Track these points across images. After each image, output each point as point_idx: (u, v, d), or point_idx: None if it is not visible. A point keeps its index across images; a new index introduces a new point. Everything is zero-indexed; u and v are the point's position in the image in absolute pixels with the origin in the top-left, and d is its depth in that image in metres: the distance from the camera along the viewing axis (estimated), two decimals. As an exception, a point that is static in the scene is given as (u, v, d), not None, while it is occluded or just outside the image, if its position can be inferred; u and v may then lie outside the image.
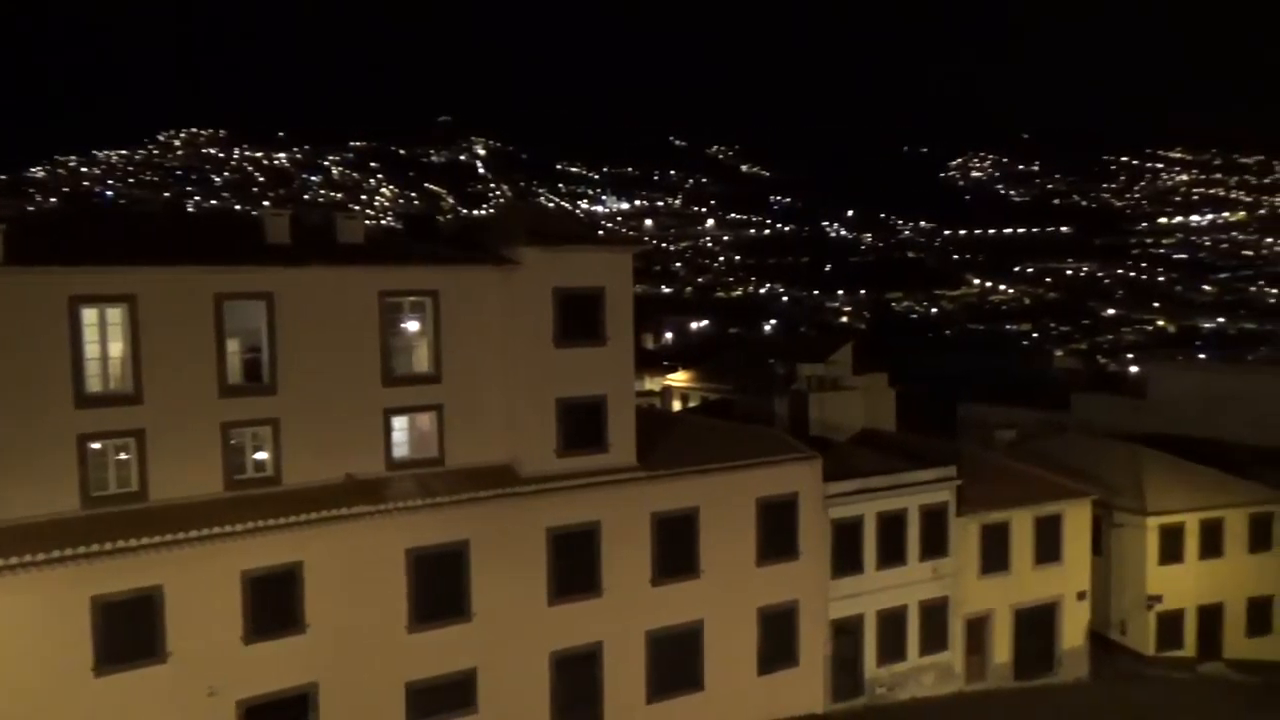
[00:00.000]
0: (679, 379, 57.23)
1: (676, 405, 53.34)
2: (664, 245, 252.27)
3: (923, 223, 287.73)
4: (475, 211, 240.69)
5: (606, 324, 25.52)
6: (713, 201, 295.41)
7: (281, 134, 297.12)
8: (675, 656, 26.30)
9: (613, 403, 25.58)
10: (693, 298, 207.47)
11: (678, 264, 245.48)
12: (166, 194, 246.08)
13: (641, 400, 43.07)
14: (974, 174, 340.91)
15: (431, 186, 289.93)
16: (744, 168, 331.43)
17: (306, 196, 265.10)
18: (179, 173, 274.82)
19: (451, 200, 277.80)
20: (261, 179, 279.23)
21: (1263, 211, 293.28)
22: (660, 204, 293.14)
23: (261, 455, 22.69)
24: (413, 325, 24.44)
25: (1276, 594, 36.89)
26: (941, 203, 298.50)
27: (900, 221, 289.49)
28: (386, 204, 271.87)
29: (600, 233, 33.96)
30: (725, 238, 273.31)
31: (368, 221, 31.32)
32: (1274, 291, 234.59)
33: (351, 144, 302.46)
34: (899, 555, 30.06)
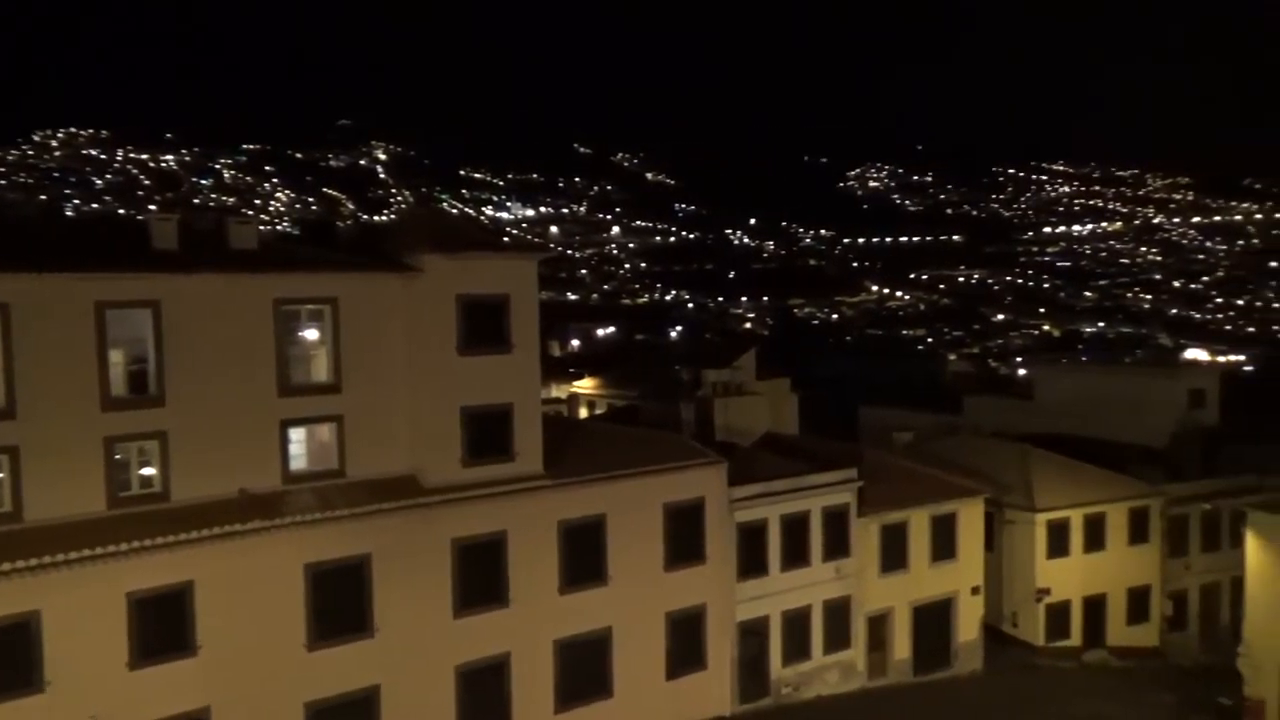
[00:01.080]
0: (586, 386, 57.10)
1: (583, 412, 53.20)
2: (570, 252, 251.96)
3: (823, 231, 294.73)
4: (376, 217, 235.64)
5: (512, 331, 25.28)
6: (618, 208, 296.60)
7: (169, 135, 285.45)
8: (584, 664, 26.20)
9: (519, 411, 25.35)
10: (599, 304, 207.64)
11: (584, 271, 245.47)
12: (43, 196, 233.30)
13: (548, 408, 42.87)
14: (871, 184, 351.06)
15: (330, 191, 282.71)
16: (649, 175, 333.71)
17: (196, 201, 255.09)
18: (57, 174, 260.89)
19: (351, 206, 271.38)
20: (147, 182, 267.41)
21: (1137, 222, 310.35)
22: (565, 211, 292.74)
23: (148, 471, 21.67)
24: (311, 334, 23.74)
25: (1153, 584, 38.93)
26: (840, 211, 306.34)
27: (801, 229, 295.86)
28: (282, 209, 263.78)
29: (505, 239, 33.66)
30: (631, 245, 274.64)
31: (262, 227, 30.26)
32: (1148, 297, 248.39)
33: (244, 146, 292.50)
34: (803, 557, 30.60)
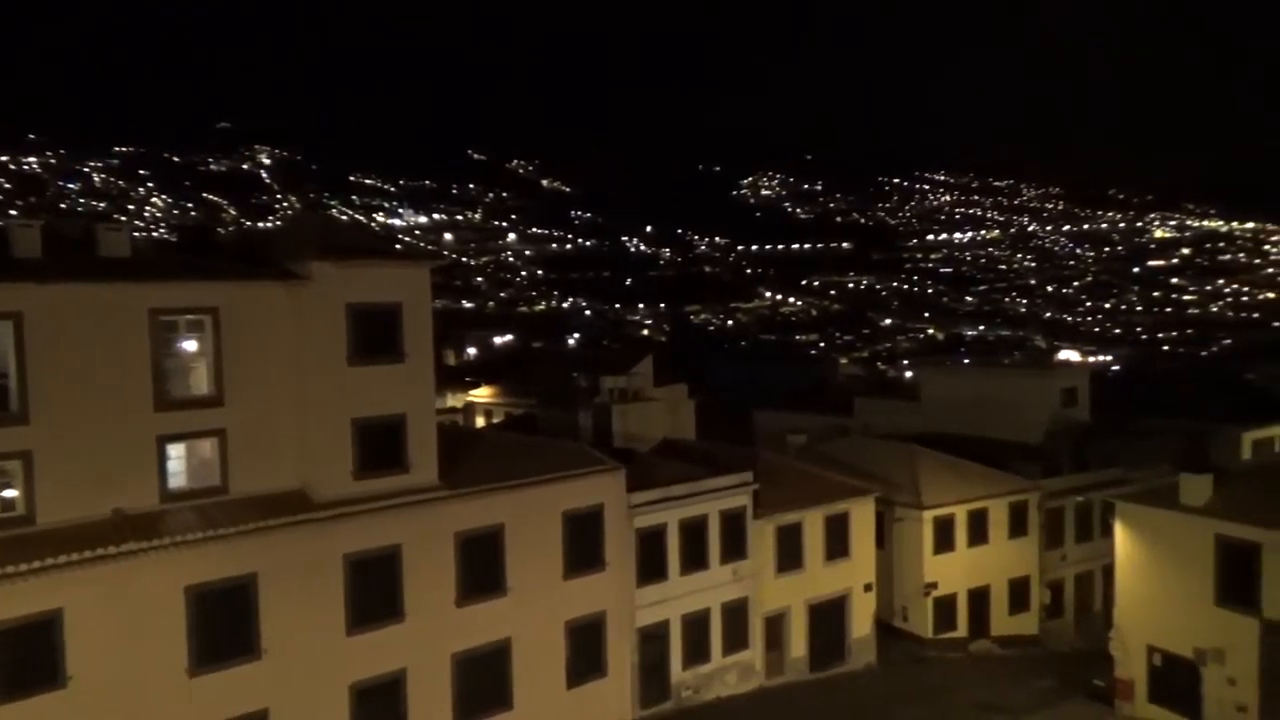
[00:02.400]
0: (482, 395, 56.44)
1: (480, 421, 52.57)
2: (464, 259, 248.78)
3: (718, 238, 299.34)
4: (260, 224, 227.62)
5: (405, 340, 24.75)
6: (514, 216, 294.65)
7: (32, 136, 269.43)
8: (483, 677, 25.80)
9: (413, 421, 24.83)
10: (495, 312, 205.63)
11: (479, 278, 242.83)
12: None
13: (443, 418, 42.12)
14: (764, 192, 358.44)
15: (210, 197, 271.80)
16: (545, 183, 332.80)
17: (63, 205, 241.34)
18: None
19: (233, 212, 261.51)
20: (8, 185, 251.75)
21: (1013, 230, 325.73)
22: (460, 218, 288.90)
23: (10, 493, 20.33)
24: (190, 345, 22.71)
25: (1032, 574, 40.76)
26: (735, 219, 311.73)
27: (697, 237, 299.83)
28: (158, 215, 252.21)
29: (397, 246, 32.94)
30: (527, 252, 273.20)
31: (137, 234, 28.83)
32: (1024, 302, 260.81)
33: (116, 149, 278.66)
34: (701, 560, 30.89)
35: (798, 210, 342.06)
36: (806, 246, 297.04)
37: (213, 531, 21.38)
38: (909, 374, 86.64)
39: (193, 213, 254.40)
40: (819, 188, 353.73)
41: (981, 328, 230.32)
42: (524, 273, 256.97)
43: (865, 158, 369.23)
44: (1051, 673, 34.65)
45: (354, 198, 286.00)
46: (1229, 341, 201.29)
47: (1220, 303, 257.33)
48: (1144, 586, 30.39)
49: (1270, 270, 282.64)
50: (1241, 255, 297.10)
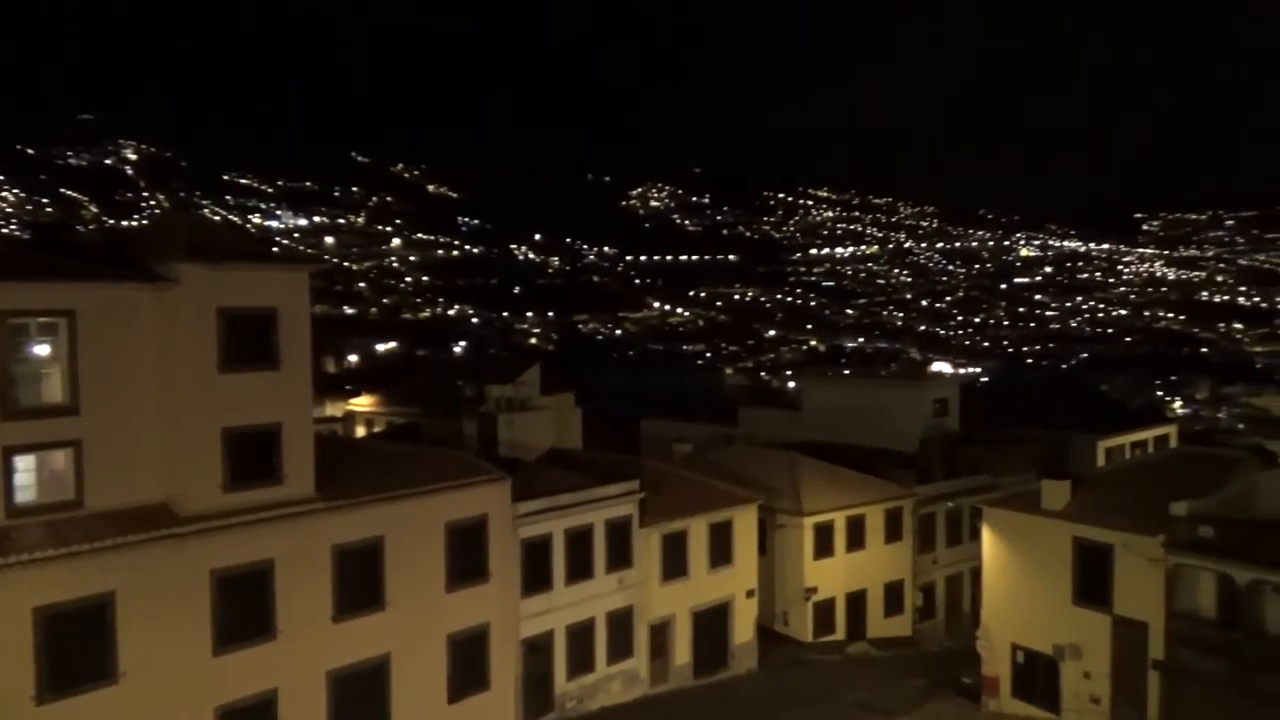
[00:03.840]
0: (363, 403, 54.94)
1: (361, 431, 51.16)
2: (346, 264, 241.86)
3: (606, 248, 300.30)
4: (125, 222, 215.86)
5: (280, 347, 23.81)
6: (399, 221, 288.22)
7: None
8: (360, 694, 24.99)
9: (288, 430, 23.89)
10: (379, 319, 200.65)
11: (362, 284, 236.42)
12: None
13: (322, 427, 40.89)
14: (653, 203, 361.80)
15: (69, 193, 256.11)
16: (431, 188, 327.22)
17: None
18: None
19: (95, 209, 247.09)
20: None
21: (891, 246, 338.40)
22: (342, 221, 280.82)
23: None
24: (42, 350, 21.28)
25: (906, 578, 42.25)
26: (623, 230, 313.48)
27: (585, 246, 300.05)
28: (9, 210, 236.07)
29: (274, 249, 31.66)
30: (412, 258, 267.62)
31: (-16, 230, 26.89)
32: (900, 315, 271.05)
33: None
34: (587, 570, 30.79)
35: (686, 222, 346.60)
36: (694, 258, 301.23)
37: (65, 548, 20.05)
38: (792, 384, 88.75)
39: (49, 209, 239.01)
40: (706, 201, 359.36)
41: (861, 340, 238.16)
42: (409, 279, 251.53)
43: (752, 173, 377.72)
44: (924, 672, 35.97)
45: (228, 198, 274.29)
46: (1086, 355, 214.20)
47: (1079, 318, 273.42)
48: (1009, 587, 31.90)
49: (1123, 289, 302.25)
50: (1098, 274, 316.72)
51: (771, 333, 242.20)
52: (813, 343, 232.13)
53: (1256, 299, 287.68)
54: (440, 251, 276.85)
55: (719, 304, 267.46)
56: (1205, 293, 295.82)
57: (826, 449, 44.69)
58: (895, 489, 41.98)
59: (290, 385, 24.00)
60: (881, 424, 47.80)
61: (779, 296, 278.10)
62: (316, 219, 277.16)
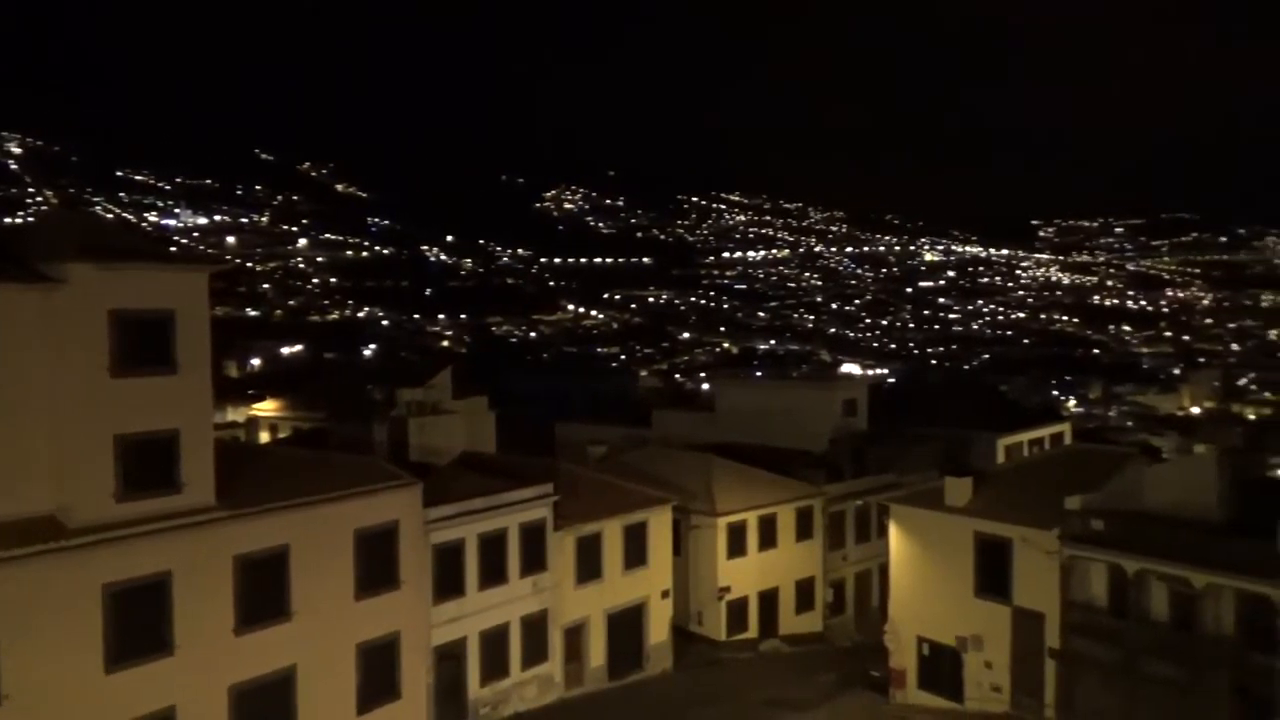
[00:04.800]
0: (267, 408, 53.36)
1: (265, 436, 49.63)
2: (250, 265, 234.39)
3: (520, 250, 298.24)
4: (9, 220, 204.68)
5: (178, 350, 22.92)
6: (305, 220, 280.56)
7: None
8: (265, 708, 24.22)
9: (186, 437, 23.01)
10: (283, 321, 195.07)
11: (265, 285, 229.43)
12: None
13: (223, 433, 39.50)
14: (567, 206, 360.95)
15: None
16: (339, 187, 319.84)
17: None
18: None
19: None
20: None
21: (802, 250, 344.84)
22: (245, 220, 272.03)
23: None
24: (-85, 353, 20.03)
25: (817, 575, 43.05)
26: (537, 231, 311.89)
27: (499, 248, 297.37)
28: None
29: (171, 249, 30.47)
30: (319, 259, 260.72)
31: None
32: (811, 318, 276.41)
33: None
34: (500, 574, 30.50)
35: (600, 225, 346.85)
36: (608, 261, 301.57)
37: (-59, 564, 18.90)
38: (705, 386, 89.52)
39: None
40: (620, 204, 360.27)
41: (773, 342, 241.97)
42: (316, 280, 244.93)
43: (665, 176, 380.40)
44: (834, 667, 36.71)
45: (121, 195, 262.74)
46: (987, 356, 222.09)
47: (979, 321, 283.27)
48: (914, 582, 32.81)
49: (1021, 293, 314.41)
50: (998, 279, 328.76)
51: (685, 335, 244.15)
52: (726, 345, 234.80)
53: (1143, 303, 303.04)
54: (349, 252, 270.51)
55: (633, 306, 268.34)
56: (1097, 297, 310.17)
57: (739, 450, 45.21)
58: (806, 488, 42.72)
59: (188, 390, 23.13)
60: (793, 424, 48.61)
61: (693, 299, 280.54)
62: (217, 218, 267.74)
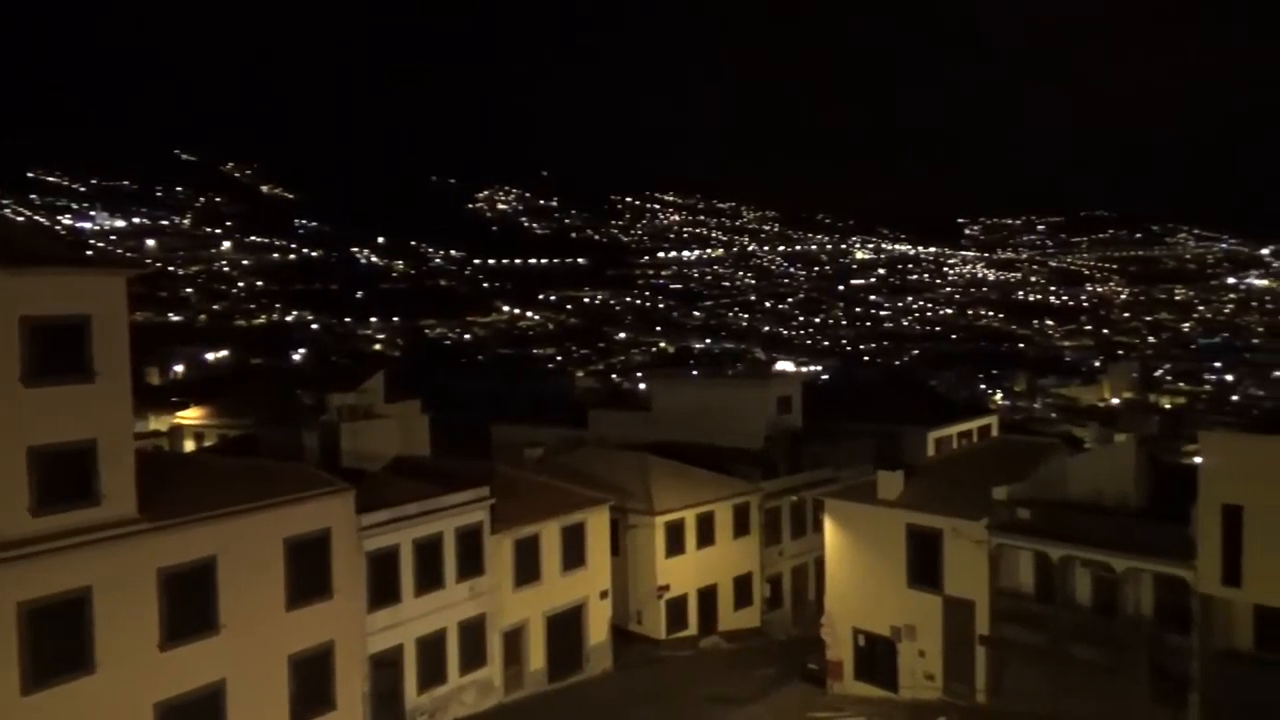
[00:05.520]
0: (192, 416, 51.91)
1: (190, 445, 48.29)
2: (171, 269, 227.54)
3: (453, 251, 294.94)
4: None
5: (95, 358, 22.13)
6: (229, 223, 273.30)
7: None
8: (193, 726, 23.55)
9: (105, 447, 22.22)
10: (208, 326, 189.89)
11: (189, 289, 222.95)
12: None
13: (145, 442, 38.33)
14: (500, 206, 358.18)
15: None
16: (265, 188, 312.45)
17: None
18: None
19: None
20: None
21: (735, 250, 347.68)
22: (165, 223, 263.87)
23: None
24: None
25: (754, 571, 43.44)
26: (470, 233, 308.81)
27: (431, 249, 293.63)
28: None
29: (88, 253, 29.43)
30: (245, 262, 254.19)
31: None
32: (745, 317, 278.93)
33: None
34: (437, 580, 30.12)
35: (534, 225, 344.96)
36: (543, 261, 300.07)
37: None
38: (642, 386, 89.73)
39: None
40: (554, 204, 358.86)
41: (708, 341, 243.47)
42: (241, 284, 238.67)
43: (599, 177, 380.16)
44: (772, 661, 37.08)
45: (33, 197, 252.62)
46: (917, 352, 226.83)
47: (909, 318, 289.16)
48: (850, 575, 33.32)
49: (949, 289, 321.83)
50: (926, 276, 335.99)
51: (621, 335, 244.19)
52: (662, 345, 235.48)
53: (1065, 298, 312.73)
54: (275, 255, 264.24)
55: (569, 307, 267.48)
56: (1021, 293, 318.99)
57: (676, 448, 45.38)
58: (743, 485, 43.07)
59: (106, 398, 22.36)
60: (729, 422, 48.94)
61: (628, 299, 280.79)
62: (136, 220, 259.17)
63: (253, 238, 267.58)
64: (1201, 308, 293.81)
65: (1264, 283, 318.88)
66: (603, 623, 35.98)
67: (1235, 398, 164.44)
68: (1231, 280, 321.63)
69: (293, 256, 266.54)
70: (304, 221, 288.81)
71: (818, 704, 32.53)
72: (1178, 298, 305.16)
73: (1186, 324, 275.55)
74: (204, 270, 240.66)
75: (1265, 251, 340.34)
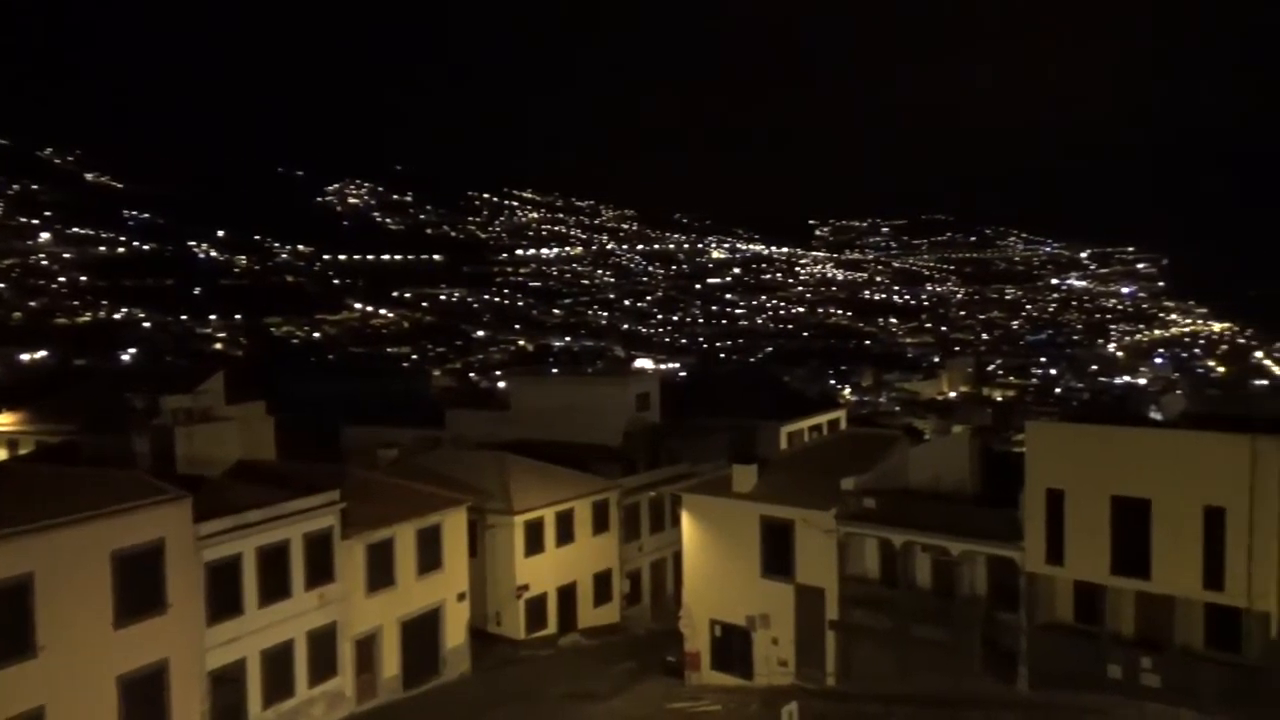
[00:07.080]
0: (6, 422, 47.81)
1: (2, 454, 44.47)
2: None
3: (301, 246, 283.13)
4: None
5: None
6: (48, 212, 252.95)
7: None
8: (7, 759, 21.64)
9: (-102, 457, 20.11)
10: (24, 324, 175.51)
11: (1, 284, 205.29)
12: None
13: (-51, 451, 34.96)
14: (351, 200, 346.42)
15: None
16: (89, 176, 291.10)
17: None
18: None
19: None
20: None
21: (595, 248, 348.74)
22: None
23: None
24: None
25: (614, 567, 43.62)
26: (320, 227, 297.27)
27: (277, 244, 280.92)
28: None
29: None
30: (67, 255, 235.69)
31: None
32: (605, 315, 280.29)
33: None
34: (283, 589, 28.83)
35: (387, 221, 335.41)
36: (397, 258, 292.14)
37: None
38: (501, 385, 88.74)
39: None
40: (409, 199, 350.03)
41: (567, 339, 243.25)
42: (62, 279, 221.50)
43: (455, 172, 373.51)
44: (632, 656, 37.35)
45: None
46: (770, 349, 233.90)
47: (763, 316, 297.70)
48: (707, 567, 33.91)
49: (800, 289, 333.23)
50: (779, 275, 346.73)
51: (480, 333, 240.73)
52: (521, 343, 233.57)
53: (907, 297, 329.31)
54: (102, 248, 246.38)
55: (424, 305, 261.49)
56: (867, 292, 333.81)
57: (536, 447, 45.09)
58: (602, 482, 43.17)
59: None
60: (588, 420, 48.99)
61: (486, 297, 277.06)
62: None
63: (75, 229, 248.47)
64: (1029, 307, 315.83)
65: (1083, 284, 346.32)
66: (460, 626, 35.30)
67: (1058, 390, 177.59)
68: (1055, 281, 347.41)
69: (122, 250, 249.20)
70: (134, 213, 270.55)
71: (676, 695, 32.96)
72: (1008, 297, 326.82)
73: (1015, 321, 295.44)
74: (19, 263, 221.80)
75: (1084, 255, 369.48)
